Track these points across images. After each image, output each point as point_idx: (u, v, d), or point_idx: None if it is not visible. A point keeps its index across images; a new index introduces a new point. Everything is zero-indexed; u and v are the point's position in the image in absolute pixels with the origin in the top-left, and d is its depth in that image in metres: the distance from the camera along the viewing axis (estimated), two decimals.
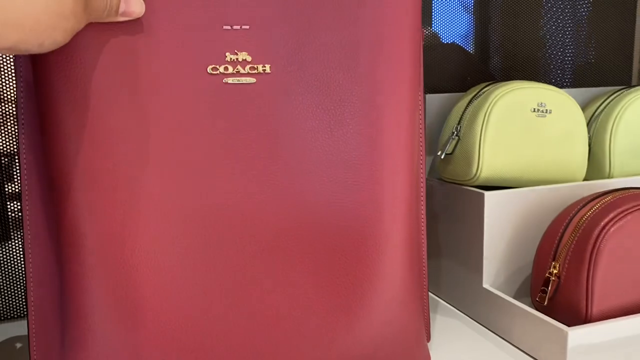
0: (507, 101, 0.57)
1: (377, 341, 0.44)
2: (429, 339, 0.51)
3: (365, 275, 0.42)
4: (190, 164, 0.39)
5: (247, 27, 0.40)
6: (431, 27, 0.77)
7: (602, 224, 0.48)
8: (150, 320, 0.38)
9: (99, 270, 0.37)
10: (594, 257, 0.47)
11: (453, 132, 0.59)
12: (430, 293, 0.65)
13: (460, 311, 0.60)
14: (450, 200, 0.60)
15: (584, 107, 0.69)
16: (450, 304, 0.62)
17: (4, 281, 0.61)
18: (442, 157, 0.60)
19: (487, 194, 0.55)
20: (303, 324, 0.41)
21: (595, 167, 0.65)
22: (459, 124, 0.59)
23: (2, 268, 0.61)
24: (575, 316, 0.48)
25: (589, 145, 0.66)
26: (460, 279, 0.60)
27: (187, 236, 0.39)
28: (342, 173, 0.42)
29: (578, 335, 0.45)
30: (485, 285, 0.56)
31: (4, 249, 0.62)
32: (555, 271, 0.50)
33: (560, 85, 0.85)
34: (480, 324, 0.57)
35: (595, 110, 0.67)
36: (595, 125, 0.66)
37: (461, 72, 0.79)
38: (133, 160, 0.38)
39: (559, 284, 0.50)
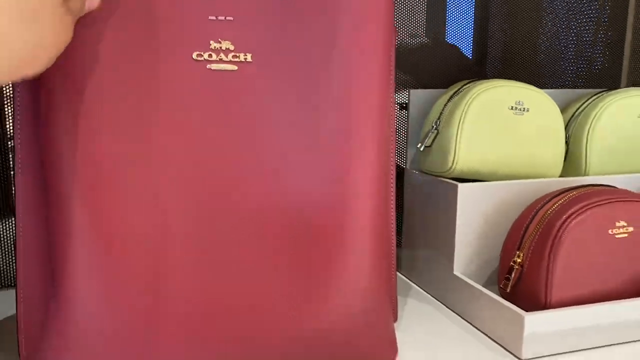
0: (485, 98, 0.60)
1: (344, 318, 0.46)
2: (395, 319, 0.53)
3: (336, 256, 0.45)
4: (176, 144, 0.42)
5: (231, 18, 0.43)
6: (444, 26, 0.80)
7: (564, 217, 0.51)
8: (129, 291, 0.41)
9: (87, 246, 0.40)
10: (554, 249, 0.50)
11: (433, 126, 0.62)
12: (404, 278, 0.68)
13: (431, 295, 0.63)
14: (427, 190, 0.63)
15: (565, 107, 0.71)
16: (422, 289, 0.65)
17: (7, 252, 0.65)
18: (422, 149, 0.62)
19: (461, 186, 0.58)
20: (277, 309, 0.44)
21: (573, 166, 0.67)
22: (438, 118, 0.62)
23: (6, 241, 0.65)
24: (536, 304, 0.51)
25: (567, 144, 0.68)
26: (434, 266, 0.62)
27: (172, 217, 0.42)
28: (316, 159, 0.44)
29: (534, 320, 0.48)
30: (456, 272, 0.59)
31: (4, 224, 0.65)
32: (519, 260, 0.53)
33: (546, 86, 0.87)
34: (449, 309, 0.59)
35: (576, 111, 0.69)
36: (574, 125, 0.68)
37: (451, 70, 0.81)
38: (124, 144, 0.41)
39: (522, 272, 0.52)
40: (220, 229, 0.43)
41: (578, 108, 0.69)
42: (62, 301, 0.41)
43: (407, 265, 0.69)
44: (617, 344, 0.51)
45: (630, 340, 0.51)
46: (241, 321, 0.44)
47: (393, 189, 0.52)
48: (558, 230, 0.50)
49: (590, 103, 0.68)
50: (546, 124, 0.63)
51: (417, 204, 0.66)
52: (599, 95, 0.69)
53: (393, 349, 0.49)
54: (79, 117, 0.40)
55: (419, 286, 0.66)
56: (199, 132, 0.43)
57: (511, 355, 0.49)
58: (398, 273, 0.70)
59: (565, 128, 0.69)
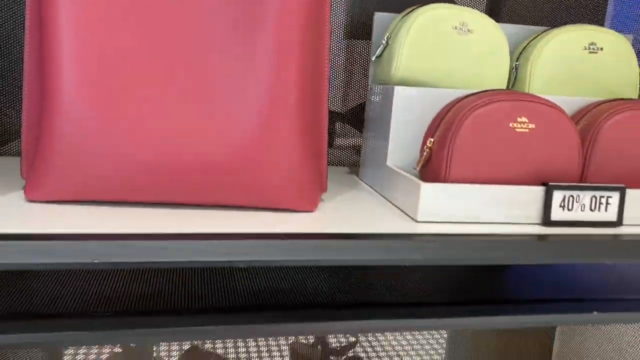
0: (430, 15, 0.68)
1: (270, 169, 0.57)
2: (324, 190, 0.64)
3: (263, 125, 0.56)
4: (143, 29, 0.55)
5: None
6: None
7: (469, 107, 0.59)
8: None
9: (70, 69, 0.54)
10: (455, 133, 0.58)
11: (384, 40, 0.71)
12: (355, 176, 0.78)
13: (368, 185, 0.73)
14: (376, 97, 0.72)
15: (522, 41, 0.78)
16: (363, 181, 0.75)
17: None
18: (373, 59, 0.72)
19: (397, 88, 0.67)
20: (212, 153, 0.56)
21: (517, 89, 0.74)
22: (390, 33, 0.71)
23: None
24: (437, 181, 0.60)
25: (516, 72, 0.75)
26: (373, 162, 0.72)
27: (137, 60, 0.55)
28: (248, 39, 0.56)
29: (428, 188, 0.57)
30: (389, 164, 0.68)
31: None
32: (430, 145, 0.61)
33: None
34: (377, 192, 0.69)
35: (529, 42, 0.76)
36: (524, 56, 0.75)
37: None
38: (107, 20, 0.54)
39: (431, 155, 0.61)
40: (165, 74, 0.55)
41: (531, 40, 0.76)
42: (50, 114, 0.54)
43: (362, 171, 0.78)
44: (501, 223, 0.59)
45: (511, 222, 0.59)
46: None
47: (326, 85, 0.62)
48: (461, 118, 0.58)
49: (541, 34, 0.75)
50: (489, 47, 0.70)
51: (370, 112, 0.75)
52: (549, 30, 0.76)
53: (312, 204, 0.59)
54: None
55: (362, 181, 0.76)
56: (158, 22, 0.55)
57: (409, 219, 0.58)
58: (355, 177, 0.80)
59: (518, 58, 0.76)
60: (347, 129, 0.98)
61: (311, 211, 0.59)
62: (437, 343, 1.37)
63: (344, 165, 0.93)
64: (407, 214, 0.60)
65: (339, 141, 0.99)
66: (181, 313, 0.56)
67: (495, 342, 1.17)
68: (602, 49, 0.73)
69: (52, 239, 0.45)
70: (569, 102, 0.69)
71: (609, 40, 0.73)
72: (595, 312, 0.56)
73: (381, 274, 0.69)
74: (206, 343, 1.24)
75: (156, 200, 0.56)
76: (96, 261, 0.45)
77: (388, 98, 0.68)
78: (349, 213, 0.60)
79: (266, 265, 0.48)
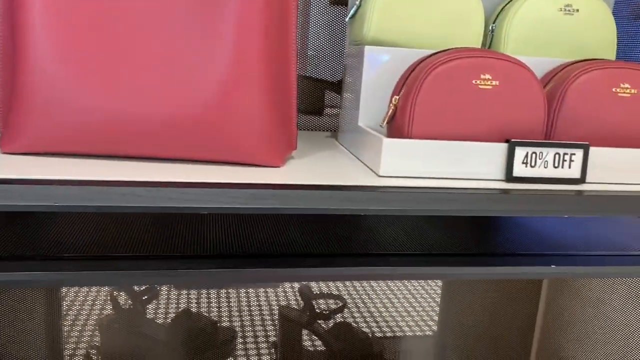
0: None
1: (237, 124, 0.58)
2: (294, 148, 0.65)
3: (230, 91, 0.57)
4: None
5: None
6: None
7: (432, 64, 0.60)
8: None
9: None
10: (418, 89, 0.59)
11: (357, 1, 0.72)
12: (335, 140, 0.79)
13: (343, 146, 0.74)
14: (350, 58, 0.73)
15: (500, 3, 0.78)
16: (340, 143, 0.76)
17: None
18: (347, 20, 0.73)
19: (367, 48, 0.67)
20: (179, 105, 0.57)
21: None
22: None
23: None
24: (401, 136, 0.61)
25: (492, 35, 0.75)
26: (347, 123, 0.73)
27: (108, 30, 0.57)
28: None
29: (390, 143, 0.58)
30: (360, 124, 0.69)
31: None
32: (395, 102, 0.62)
33: None
34: (349, 152, 0.70)
35: (506, 5, 0.76)
36: (500, 18, 0.75)
37: None
38: None
39: (395, 112, 0.62)
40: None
41: (508, 1, 0.76)
42: (21, 71, 0.56)
43: (339, 134, 0.80)
44: (463, 179, 0.59)
45: (473, 178, 0.60)
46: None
47: (293, 45, 0.63)
48: (424, 75, 0.59)
49: None
50: (462, 7, 0.71)
51: (346, 73, 0.76)
52: None
53: (279, 159, 0.61)
54: None
55: (340, 143, 0.77)
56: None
57: (372, 173, 0.60)
58: (334, 140, 0.81)
59: (495, 20, 0.76)
60: (338, 97, 0.99)
61: (278, 166, 0.61)
62: (427, 315, 1.39)
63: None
64: (371, 170, 0.61)
65: (329, 110, 1.01)
66: (172, 258, 0.59)
67: (483, 321, 1.18)
68: (577, 10, 0.73)
69: (17, 183, 0.48)
70: (541, 63, 0.70)
71: (585, 2, 0.73)
72: (553, 266, 0.57)
73: (361, 228, 0.71)
74: (198, 307, 1.27)
75: (123, 154, 0.58)
76: (56, 204, 0.47)
77: (359, 59, 0.69)
78: (314, 168, 0.61)
79: (228, 212, 0.49)
